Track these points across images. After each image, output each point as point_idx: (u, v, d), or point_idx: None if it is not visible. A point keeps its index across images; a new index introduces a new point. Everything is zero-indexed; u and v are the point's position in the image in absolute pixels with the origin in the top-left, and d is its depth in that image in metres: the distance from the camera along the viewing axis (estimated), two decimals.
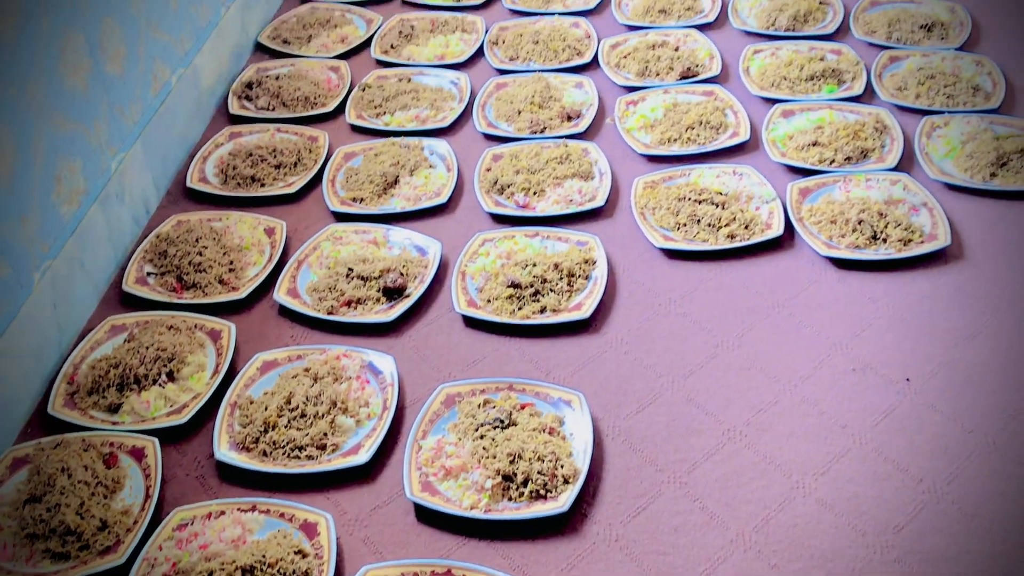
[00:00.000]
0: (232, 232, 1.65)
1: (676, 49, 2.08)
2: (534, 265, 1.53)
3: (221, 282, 1.56)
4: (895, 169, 1.71)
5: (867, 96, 1.92)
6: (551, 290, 1.50)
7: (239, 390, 1.36)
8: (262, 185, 1.78)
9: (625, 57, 2.07)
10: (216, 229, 1.65)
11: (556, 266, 1.53)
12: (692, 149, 1.80)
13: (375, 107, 1.97)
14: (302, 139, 1.88)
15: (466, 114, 1.95)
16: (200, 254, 1.59)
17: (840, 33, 2.12)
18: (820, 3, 2.19)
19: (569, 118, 1.91)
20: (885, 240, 1.56)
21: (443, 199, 1.71)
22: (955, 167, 1.72)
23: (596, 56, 2.09)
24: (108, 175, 1.59)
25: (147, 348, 1.40)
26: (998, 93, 1.87)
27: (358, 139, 1.90)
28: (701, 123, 1.84)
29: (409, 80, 2.04)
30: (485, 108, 1.96)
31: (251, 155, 1.82)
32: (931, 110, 1.85)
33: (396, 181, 1.76)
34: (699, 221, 1.61)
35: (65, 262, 1.45)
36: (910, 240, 1.55)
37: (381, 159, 1.80)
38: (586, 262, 1.55)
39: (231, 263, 1.59)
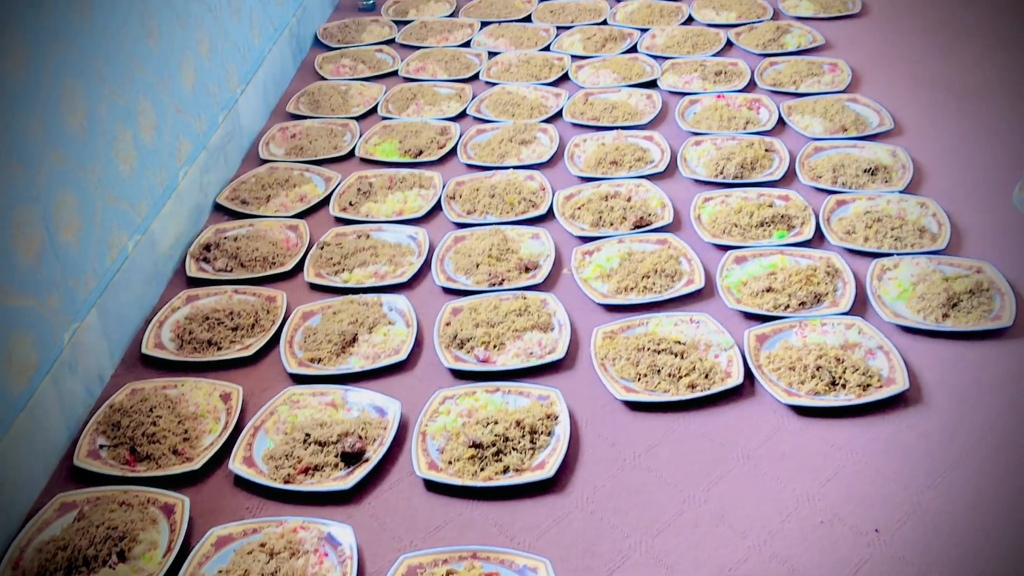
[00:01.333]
0: (187, 399, 1.63)
1: (628, 199, 2.12)
2: (496, 423, 1.51)
3: (175, 452, 1.52)
4: (849, 313, 1.73)
5: (817, 240, 1.96)
6: (514, 449, 1.48)
7: (192, 569, 1.31)
8: (219, 349, 1.76)
9: (579, 208, 2.11)
10: (171, 397, 1.63)
11: (518, 423, 1.51)
12: (649, 298, 1.82)
13: (334, 265, 1.98)
14: (260, 300, 1.88)
15: (425, 268, 1.97)
16: (154, 424, 1.55)
17: (787, 179, 2.18)
18: (766, 151, 2.26)
19: (527, 269, 1.93)
20: (844, 385, 1.56)
21: (402, 356, 1.71)
22: (908, 309, 1.74)
23: (551, 208, 2.13)
24: (60, 347, 1.57)
25: (97, 527, 1.36)
26: (944, 234, 1.92)
27: (317, 298, 1.90)
28: (656, 271, 1.87)
29: (368, 237, 2.06)
30: (444, 262, 1.97)
31: (208, 318, 1.81)
32: (880, 253, 1.89)
33: (355, 340, 1.75)
34: (659, 371, 1.61)
35: (13, 441, 1.41)
36: (868, 385, 1.56)
37: (340, 317, 1.79)
38: (548, 417, 1.54)
39: (186, 432, 1.56)
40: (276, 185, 2.26)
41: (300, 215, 2.18)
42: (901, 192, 2.08)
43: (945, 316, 1.71)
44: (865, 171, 2.14)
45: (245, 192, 2.25)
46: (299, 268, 1.99)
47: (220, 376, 1.70)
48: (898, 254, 1.87)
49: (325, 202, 2.22)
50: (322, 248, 2.02)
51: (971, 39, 2.79)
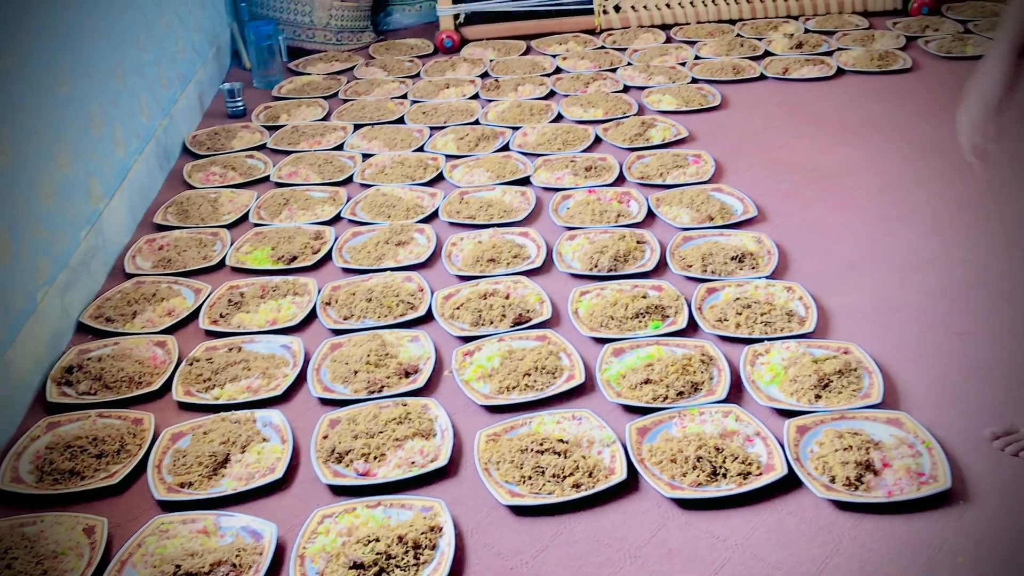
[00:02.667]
0: (47, 536, 1.52)
1: (507, 296, 2.13)
2: (377, 540, 1.46)
3: None
4: (725, 400, 1.75)
5: (691, 329, 1.99)
6: (397, 566, 1.43)
7: None
8: (82, 478, 1.67)
9: (458, 308, 2.10)
10: (29, 535, 1.52)
11: (401, 539, 1.46)
12: (531, 396, 1.80)
13: (204, 381, 1.91)
14: (126, 423, 1.79)
15: (300, 379, 1.91)
16: (9, 567, 1.44)
17: (659, 270, 2.22)
18: (638, 243, 2.31)
19: (407, 374, 1.90)
20: (725, 475, 1.57)
21: (278, 475, 1.64)
22: (781, 392, 1.77)
23: (430, 309, 2.11)
24: None
25: None
26: (811, 317, 1.98)
27: (187, 417, 1.82)
28: (537, 368, 1.86)
29: (240, 349, 2.00)
30: (320, 371, 1.93)
31: (70, 446, 1.71)
32: (752, 338, 1.93)
33: (227, 460, 1.68)
34: (544, 472, 1.59)
35: None
36: (749, 473, 1.57)
37: (211, 437, 1.72)
38: (432, 530, 1.49)
39: (45, 573, 1.45)
40: (143, 300, 2.18)
41: (168, 330, 2.10)
42: (768, 278, 2.14)
43: (817, 397, 1.74)
44: (732, 258, 2.20)
45: (110, 309, 2.16)
46: (167, 387, 1.91)
47: (84, 508, 1.60)
48: (769, 339, 1.92)
49: (195, 315, 2.15)
50: (191, 364, 1.95)
51: (825, 125, 2.94)
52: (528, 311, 2.07)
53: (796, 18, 3.86)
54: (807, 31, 3.72)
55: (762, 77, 3.34)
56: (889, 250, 2.26)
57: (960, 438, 1.65)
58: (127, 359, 1.97)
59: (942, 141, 2.77)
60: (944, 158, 2.67)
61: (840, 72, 3.33)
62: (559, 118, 3.12)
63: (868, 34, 3.62)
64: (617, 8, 3.89)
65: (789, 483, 1.56)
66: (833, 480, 1.55)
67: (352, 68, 3.71)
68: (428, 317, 2.10)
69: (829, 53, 3.48)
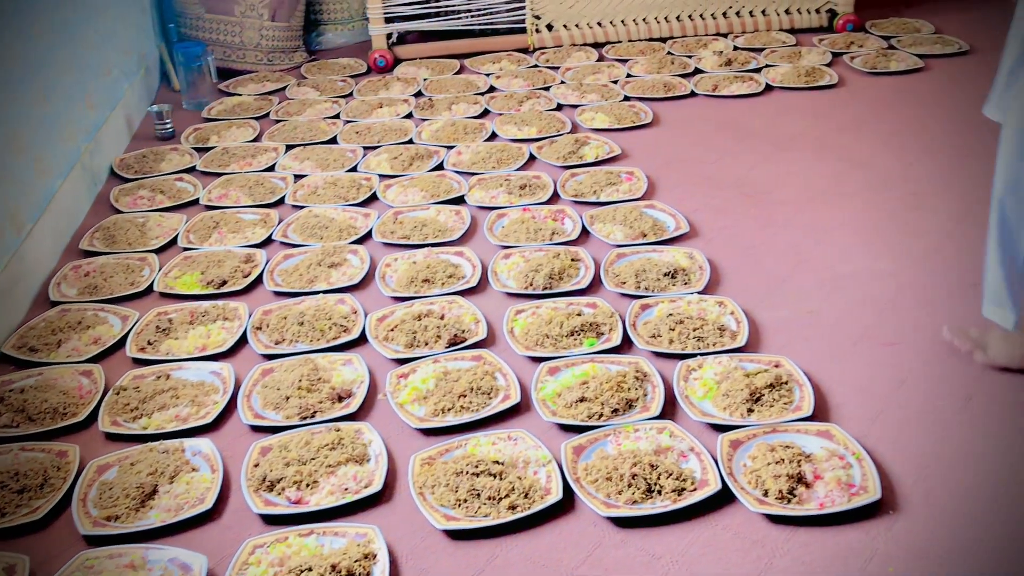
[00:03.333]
0: None
1: (442, 317, 2.11)
2: (310, 569, 1.43)
3: None
4: (660, 417, 1.76)
5: (625, 346, 2.00)
6: None
7: None
8: (3, 515, 1.61)
9: (392, 330, 2.08)
10: None
11: (334, 567, 1.44)
12: (466, 417, 1.79)
13: (131, 411, 1.86)
14: (50, 456, 1.74)
15: (231, 407, 1.88)
16: None
17: (593, 287, 2.23)
18: (572, 260, 2.31)
19: (340, 399, 1.88)
20: (660, 492, 1.57)
21: (208, 505, 1.61)
22: (714, 407, 1.79)
23: (364, 331, 2.09)
24: None
25: None
26: (742, 331, 2.00)
27: (113, 448, 1.78)
28: (473, 389, 1.85)
29: (168, 377, 1.96)
30: (251, 398, 1.89)
31: None
32: (685, 354, 1.94)
33: (155, 491, 1.64)
34: (479, 495, 1.58)
35: None
36: (683, 489, 1.58)
37: (138, 468, 1.68)
38: (366, 557, 1.47)
39: None
40: (68, 328, 2.13)
41: (94, 359, 2.05)
42: (700, 293, 2.16)
43: (750, 411, 1.76)
44: (665, 274, 2.21)
45: (33, 338, 2.10)
46: (93, 417, 1.86)
47: (4, 546, 1.55)
48: (701, 354, 1.93)
49: (122, 343, 2.10)
50: (118, 393, 1.90)
51: (754, 141, 2.98)
52: (463, 331, 2.06)
53: (725, 35, 3.92)
54: (736, 48, 3.78)
55: (693, 94, 3.39)
56: (818, 263, 2.29)
57: (889, 448, 1.67)
58: (51, 390, 1.92)
59: (867, 155, 2.84)
60: (869, 172, 2.73)
61: (768, 88, 3.39)
62: (493, 137, 3.12)
63: (795, 51, 3.69)
64: (550, 27, 3.92)
65: (723, 498, 1.57)
66: (766, 494, 1.56)
67: (284, 88, 3.68)
68: (362, 340, 2.07)
69: (757, 70, 3.54)
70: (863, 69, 3.49)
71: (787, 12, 3.95)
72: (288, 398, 1.86)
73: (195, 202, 2.77)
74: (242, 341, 2.10)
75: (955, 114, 3.06)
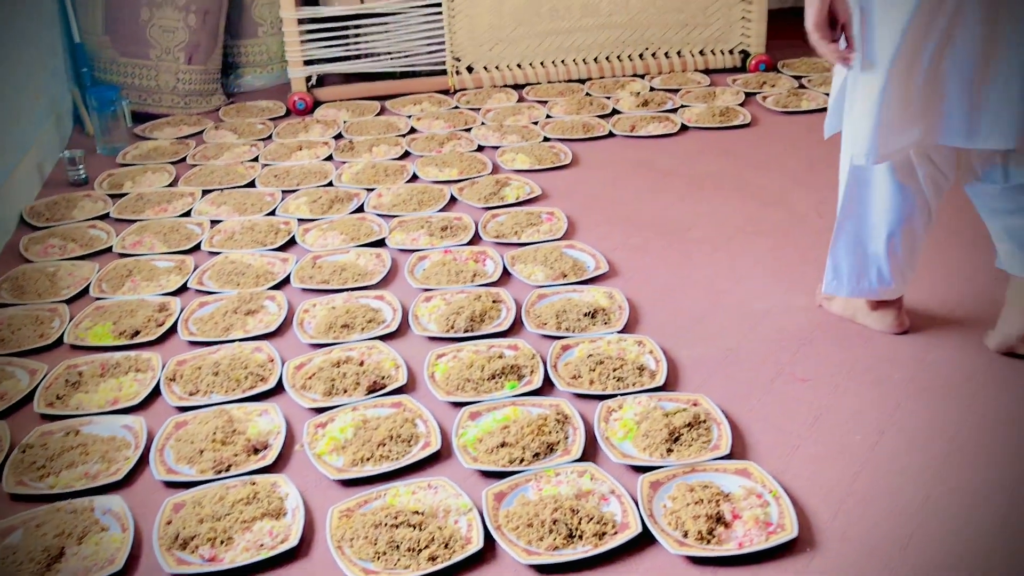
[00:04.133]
0: None
1: (361, 363, 2.09)
2: None
3: None
4: (580, 460, 1.76)
5: (546, 388, 2.00)
6: None
7: None
8: None
9: (310, 377, 2.05)
10: None
11: None
12: (386, 467, 1.77)
13: (38, 469, 1.80)
14: None
15: (143, 462, 1.82)
16: None
17: (515, 329, 2.23)
18: (494, 302, 2.31)
19: (256, 451, 1.84)
20: (581, 537, 1.57)
21: (118, 566, 1.55)
22: (634, 448, 1.79)
23: (281, 380, 2.05)
24: None
25: None
26: (661, 370, 2.02)
27: (19, 509, 1.71)
28: (392, 438, 1.83)
29: (77, 433, 1.90)
30: (164, 452, 1.84)
31: None
32: (605, 395, 1.95)
33: (62, 554, 1.58)
34: (398, 547, 1.55)
35: None
36: (604, 532, 1.57)
37: (44, 530, 1.61)
38: None
39: None
40: None
41: (0, 415, 1.97)
42: (619, 332, 2.17)
43: (669, 451, 1.77)
44: (586, 314, 2.22)
45: None
46: None
47: None
48: (621, 394, 1.94)
49: (29, 398, 2.03)
50: (24, 451, 1.84)
51: (671, 180, 3.03)
52: (383, 377, 2.04)
53: (642, 76, 3.99)
54: (652, 89, 3.85)
55: (611, 135, 3.43)
56: (735, 301, 2.33)
57: (805, 485, 1.70)
58: None
59: (780, 193, 2.90)
60: (782, 209, 2.79)
61: (684, 128, 3.45)
62: (414, 178, 3.12)
63: (710, 91, 3.77)
64: (470, 69, 3.95)
65: (644, 540, 1.57)
66: (686, 535, 1.56)
67: (201, 132, 3.63)
68: (279, 389, 2.04)
69: (674, 110, 3.61)
70: (775, 108, 3.58)
71: (701, 53, 4.04)
72: (202, 451, 1.81)
73: (108, 250, 2.71)
74: (155, 393, 2.04)
75: None
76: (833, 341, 2.14)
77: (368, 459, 1.79)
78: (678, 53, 4.03)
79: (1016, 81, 1.77)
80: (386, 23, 3.85)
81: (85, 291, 2.47)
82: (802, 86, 3.82)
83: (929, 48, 1.77)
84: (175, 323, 2.29)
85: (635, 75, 4.00)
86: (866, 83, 1.82)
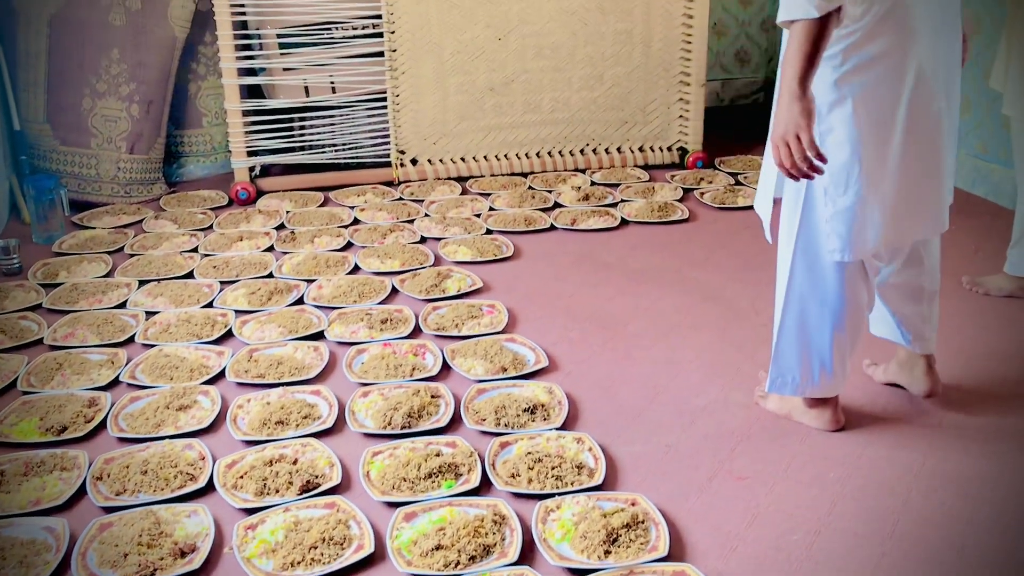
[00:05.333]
0: None
1: (295, 462, 2.05)
2: None
3: None
4: (518, 562, 1.73)
5: (484, 487, 1.97)
6: None
7: None
8: None
9: (242, 477, 2.00)
10: None
11: None
12: (317, 571, 1.72)
13: None
14: None
15: (64, 567, 1.75)
16: None
17: (454, 424, 2.21)
18: (432, 397, 2.29)
19: (183, 554, 1.78)
20: None
21: None
22: (572, 549, 1.77)
23: (211, 479, 2.00)
24: None
25: None
26: (600, 468, 2.00)
27: None
28: (324, 540, 1.78)
29: None
30: (86, 556, 1.77)
31: None
32: (543, 494, 1.93)
33: None
34: None
35: None
36: None
37: None
38: None
39: None
40: None
41: None
42: (559, 429, 2.16)
43: (607, 553, 1.74)
44: (525, 410, 2.21)
45: None
46: None
47: None
48: (560, 494, 1.92)
49: None
50: None
51: (610, 274, 3.06)
52: (317, 476, 2.00)
53: (583, 171, 4.06)
54: (593, 184, 3.92)
55: (553, 228, 3.47)
56: (673, 396, 2.34)
57: None
58: None
59: (717, 288, 2.94)
60: (719, 304, 2.83)
61: (624, 223, 3.50)
62: (356, 270, 3.12)
63: (649, 186, 3.84)
64: (414, 161, 3.98)
65: None
66: None
67: (141, 221, 3.60)
68: (209, 488, 1.98)
69: (614, 204, 3.67)
70: (712, 204, 3.66)
71: (640, 149, 4.13)
72: (126, 555, 1.75)
73: (39, 342, 2.65)
74: (81, 493, 1.98)
75: None
76: (770, 438, 2.15)
77: (299, 563, 1.74)
78: (618, 149, 4.12)
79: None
80: (331, 115, 3.89)
81: (12, 385, 2.40)
82: (738, 182, 3.92)
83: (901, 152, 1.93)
84: (104, 419, 2.23)
85: (576, 170, 4.07)
86: (842, 186, 1.93)
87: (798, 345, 2.10)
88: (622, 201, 3.70)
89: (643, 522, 1.82)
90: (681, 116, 4.11)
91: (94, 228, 3.53)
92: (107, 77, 3.71)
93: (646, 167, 4.11)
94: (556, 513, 1.86)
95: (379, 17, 3.76)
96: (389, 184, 3.95)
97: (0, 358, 2.53)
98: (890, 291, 2.18)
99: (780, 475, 2.01)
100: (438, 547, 1.75)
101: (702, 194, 3.76)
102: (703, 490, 1.97)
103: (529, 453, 2.05)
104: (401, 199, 3.80)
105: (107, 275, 3.10)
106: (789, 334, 2.10)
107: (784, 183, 2.02)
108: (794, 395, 2.16)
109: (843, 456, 2.08)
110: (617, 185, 3.89)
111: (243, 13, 3.68)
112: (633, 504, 1.88)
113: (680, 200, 3.71)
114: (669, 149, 4.15)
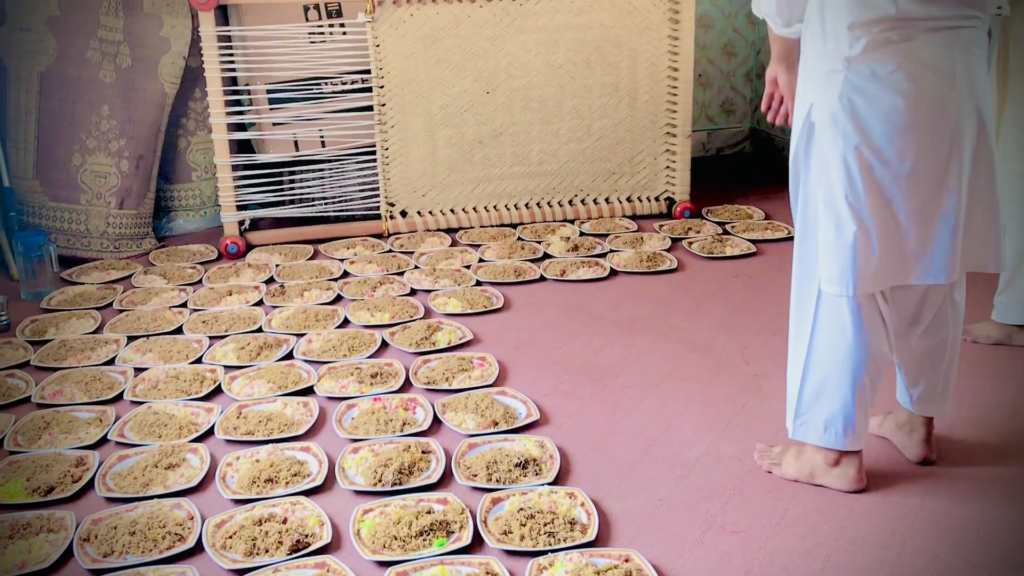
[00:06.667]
0: None
1: (284, 520, 2.03)
2: None
3: None
4: None
5: (476, 544, 1.96)
6: None
7: None
8: None
9: (231, 536, 1.98)
10: None
11: None
12: None
13: None
14: None
15: None
16: None
17: (445, 481, 2.19)
18: (423, 452, 2.28)
19: None
20: None
21: None
22: None
23: (200, 539, 1.98)
24: None
25: None
26: (592, 524, 1.99)
27: None
28: None
29: None
30: None
31: None
32: (536, 551, 1.91)
33: None
34: None
35: None
36: None
37: None
38: None
39: None
40: None
41: None
42: (550, 484, 2.15)
43: None
44: (516, 465, 2.20)
45: None
46: None
47: None
48: (552, 550, 1.90)
49: None
50: None
51: (600, 324, 3.06)
52: (307, 536, 1.98)
53: (572, 222, 4.08)
54: (582, 234, 3.93)
55: (542, 279, 3.48)
56: (665, 449, 2.33)
57: None
58: None
59: (706, 338, 2.95)
60: (709, 355, 2.83)
61: (613, 273, 3.52)
62: (345, 323, 3.11)
63: (637, 236, 3.86)
64: (404, 213, 4.00)
65: None
66: None
67: (130, 276, 3.59)
68: (198, 548, 1.96)
69: (603, 255, 3.68)
70: (700, 254, 3.68)
71: (628, 200, 4.16)
72: None
73: (26, 400, 2.63)
74: (68, 555, 1.95)
75: (787, 296, 3.22)
76: (763, 491, 2.14)
77: None
78: (606, 200, 4.15)
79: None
80: (321, 169, 3.91)
81: None
82: (726, 232, 3.94)
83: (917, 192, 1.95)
84: (92, 478, 2.21)
85: (565, 220, 4.09)
86: (832, 219, 1.96)
87: (821, 390, 2.06)
88: (611, 251, 3.72)
89: None
90: (668, 167, 4.15)
91: (83, 284, 3.52)
92: (97, 133, 3.73)
93: (634, 217, 4.14)
94: (549, 571, 1.84)
95: (368, 72, 3.80)
96: (379, 236, 3.96)
97: None
98: (907, 351, 2.15)
99: (773, 528, 2.00)
100: None
101: (690, 243, 3.78)
102: (697, 544, 1.96)
103: (521, 509, 2.03)
104: (391, 251, 3.81)
105: (96, 331, 3.08)
106: (810, 377, 2.07)
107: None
108: (818, 444, 2.10)
109: (836, 508, 2.07)
110: (606, 235, 3.91)
111: (233, 69, 3.72)
112: (627, 560, 1.86)
113: (668, 250, 3.72)
114: (657, 199, 4.18)
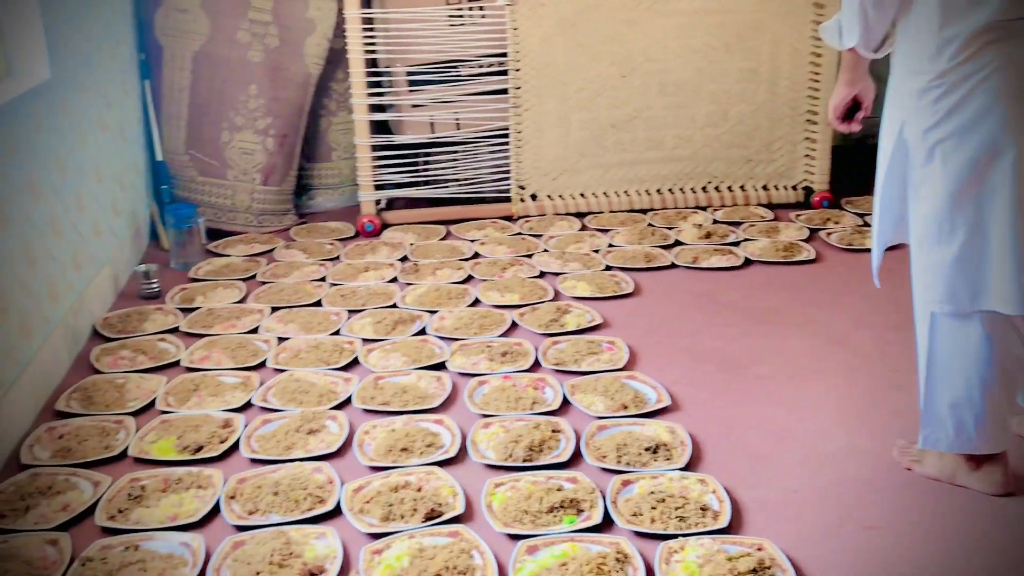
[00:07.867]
0: None
1: (419, 489, 2.08)
2: None
3: None
4: None
5: (606, 524, 1.97)
6: None
7: None
8: None
9: (368, 502, 2.04)
10: None
11: None
12: None
13: None
14: None
15: None
16: None
17: (574, 460, 2.21)
18: (553, 431, 2.30)
19: (312, 575, 1.82)
20: None
21: None
22: None
23: (339, 503, 2.05)
24: None
25: None
26: (724, 511, 1.98)
27: None
28: (448, 568, 1.80)
29: (136, 548, 1.90)
30: (220, 572, 1.84)
31: None
32: (666, 535, 1.91)
33: None
34: None
35: None
36: None
37: None
38: None
39: None
40: (37, 494, 2.08)
41: (62, 527, 2.00)
42: (681, 470, 2.14)
43: None
44: (647, 449, 2.20)
45: (2, 504, 2.05)
46: None
47: None
48: (683, 535, 1.90)
49: (91, 510, 2.05)
50: (84, 564, 1.85)
51: (733, 314, 3.02)
52: (440, 505, 2.03)
53: (704, 209, 4.03)
54: (715, 222, 3.88)
55: (673, 266, 3.45)
56: (798, 441, 2.29)
57: None
58: (14, 559, 1.86)
59: (843, 332, 2.87)
60: (846, 349, 2.76)
61: (747, 262, 3.46)
62: (476, 302, 3.16)
63: (773, 225, 3.79)
64: (534, 196, 4.03)
65: None
66: None
67: (272, 250, 3.73)
68: (337, 511, 2.03)
69: (736, 243, 3.62)
70: (839, 245, 3.58)
71: (764, 188, 4.08)
72: (259, 573, 1.81)
73: (176, 363, 2.76)
74: (215, 511, 2.05)
75: None
76: (901, 488, 2.08)
77: None
78: (741, 187, 4.08)
79: None
80: (455, 151, 3.97)
81: (152, 404, 2.52)
82: (866, 223, 3.82)
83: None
84: (238, 440, 2.32)
85: (697, 207, 4.05)
86: (933, 236, 1.94)
87: (947, 398, 2.01)
88: (745, 240, 3.65)
89: (769, 568, 1.78)
90: (807, 155, 4.05)
91: (229, 256, 3.67)
92: (245, 111, 3.88)
93: (769, 206, 4.05)
94: (679, 555, 1.84)
95: (505, 55, 3.83)
96: (508, 219, 4.00)
97: (140, 378, 2.65)
98: None
99: (912, 526, 1.95)
100: None
101: (829, 234, 3.68)
102: (832, 537, 1.92)
103: (652, 493, 2.03)
104: (520, 234, 3.84)
105: (241, 301, 3.22)
106: (935, 386, 2.02)
107: (902, 230, 2.06)
108: (949, 451, 2.05)
109: (981, 511, 1.99)
110: (740, 223, 3.85)
111: (374, 52, 3.81)
112: (759, 549, 1.84)
113: (806, 240, 3.64)
114: (794, 188, 4.09)
